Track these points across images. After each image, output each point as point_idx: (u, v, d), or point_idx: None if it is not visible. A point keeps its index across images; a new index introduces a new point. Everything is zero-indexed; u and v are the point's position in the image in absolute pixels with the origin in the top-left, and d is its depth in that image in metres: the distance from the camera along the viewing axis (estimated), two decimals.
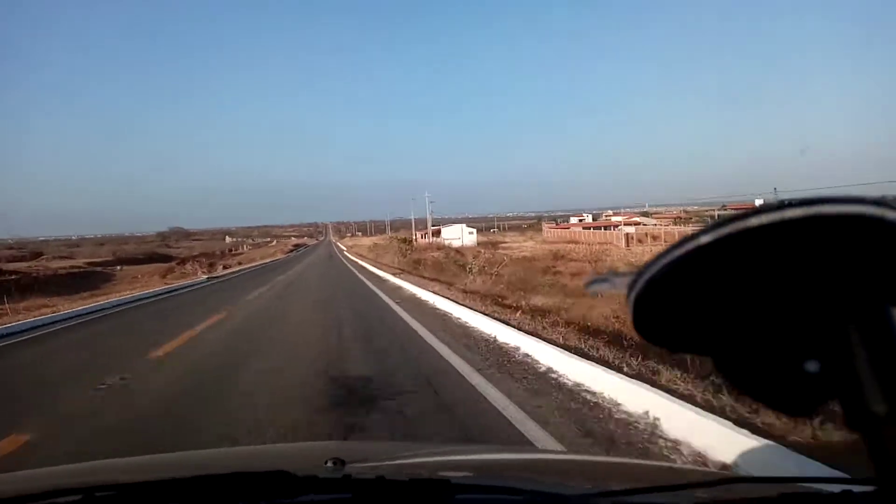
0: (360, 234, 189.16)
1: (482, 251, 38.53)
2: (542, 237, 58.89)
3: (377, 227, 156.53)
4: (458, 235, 53.91)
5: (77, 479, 1.06)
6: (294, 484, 0.77)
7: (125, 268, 37.91)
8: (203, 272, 30.35)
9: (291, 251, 78.62)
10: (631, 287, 0.36)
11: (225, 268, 34.25)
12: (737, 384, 0.37)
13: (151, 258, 47.33)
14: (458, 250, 37.48)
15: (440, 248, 35.67)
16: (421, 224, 67.31)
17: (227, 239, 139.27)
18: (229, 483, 0.81)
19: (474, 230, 62.27)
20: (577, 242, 45.97)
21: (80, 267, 37.44)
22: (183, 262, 35.11)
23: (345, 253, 52.43)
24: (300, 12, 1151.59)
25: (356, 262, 31.16)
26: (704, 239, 0.33)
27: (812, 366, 0.34)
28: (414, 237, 61.41)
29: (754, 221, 0.31)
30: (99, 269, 36.77)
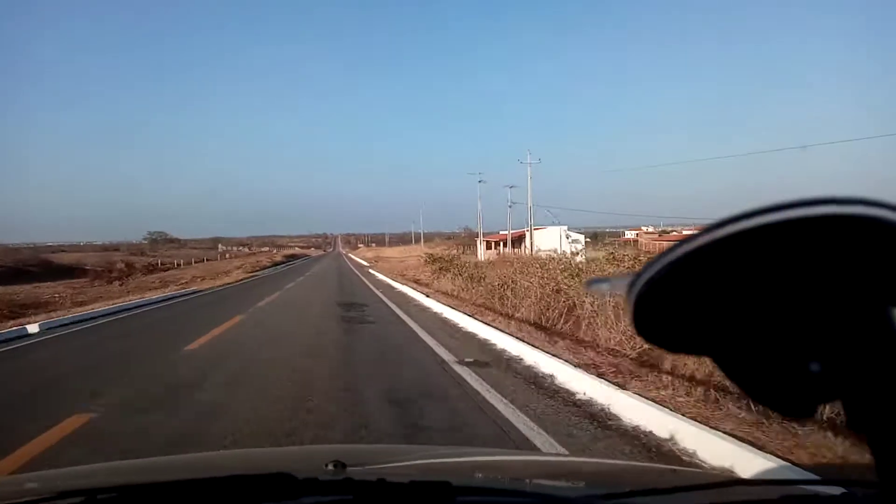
0: (374, 244, 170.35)
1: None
2: (636, 251, 38.59)
3: (396, 239, 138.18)
4: (555, 244, 30.33)
5: (79, 482, 1.07)
6: (295, 486, 0.78)
7: None
8: None
9: (269, 267, 44.86)
10: (631, 287, 0.35)
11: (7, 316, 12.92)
12: (737, 384, 0.36)
13: (51, 271, 28.26)
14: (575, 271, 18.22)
15: (540, 263, 16.47)
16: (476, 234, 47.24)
17: (221, 247, 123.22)
18: (231, 485, 0.81)
19: (581, 237, 41.03)
20: None
21: None
22: None
23: (371, 273, 28.28)
24: (309, 14, 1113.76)
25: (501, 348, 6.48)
26: (705, 239, 0.32)
27: (813, 367, 0.33)
28: (490, 246, 41.14)
29: (755, 222, 0.31)
30: None
